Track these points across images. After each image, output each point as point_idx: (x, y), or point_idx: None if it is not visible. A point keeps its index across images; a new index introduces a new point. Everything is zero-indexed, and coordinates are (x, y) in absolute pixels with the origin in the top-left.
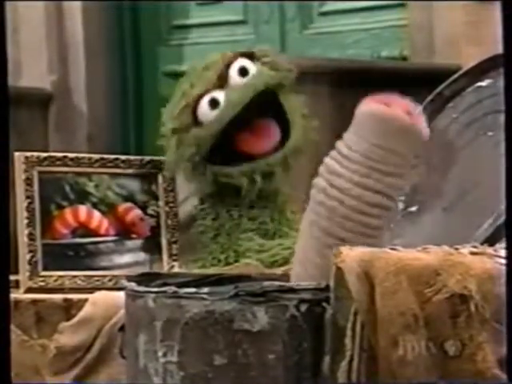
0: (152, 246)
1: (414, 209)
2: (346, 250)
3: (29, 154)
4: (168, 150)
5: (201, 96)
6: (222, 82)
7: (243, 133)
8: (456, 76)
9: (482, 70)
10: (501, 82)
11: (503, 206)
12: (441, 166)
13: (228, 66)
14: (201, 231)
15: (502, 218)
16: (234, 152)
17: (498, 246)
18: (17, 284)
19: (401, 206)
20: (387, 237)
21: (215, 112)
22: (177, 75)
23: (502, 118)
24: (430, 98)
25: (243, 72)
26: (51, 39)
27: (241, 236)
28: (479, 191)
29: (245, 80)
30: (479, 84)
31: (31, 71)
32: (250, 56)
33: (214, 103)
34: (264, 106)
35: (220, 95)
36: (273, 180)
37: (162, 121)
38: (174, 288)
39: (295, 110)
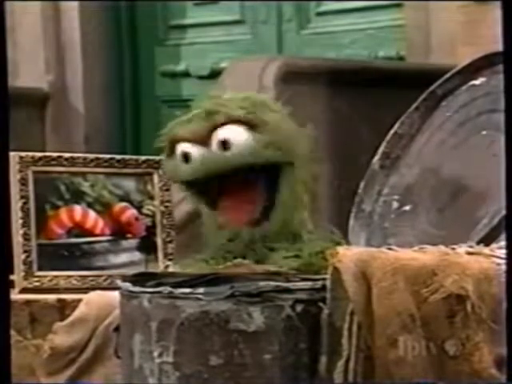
0: (147, 245)
1: (408, 208)
2: (342, 249)
3: (23, 153)
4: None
5: (176, 142)
6: (200, 139)
7: (222, 199)
8: (449, 75)
9: (475, 68)
10: (494, 81)
11: (498, 206)
12: (434, 164)
13: (213, 129)
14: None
15: (497, 218)
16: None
17: (494, 245)
18: (12, 284)
19: (395, 205)
20: (381, 236)
21: (187, 166)
22: (174, 75)
23: (495, 117)
24: (423, 96)
25: (225, 145)
26: (48, 39)
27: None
28: (473, 190)
29: (225, 154)
30: (473, 83)
31: (28, 71)
32: (245, 122)
33: (186, 157)
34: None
35: (193, 151)
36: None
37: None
38: (169, 288)
39: (287, 185)
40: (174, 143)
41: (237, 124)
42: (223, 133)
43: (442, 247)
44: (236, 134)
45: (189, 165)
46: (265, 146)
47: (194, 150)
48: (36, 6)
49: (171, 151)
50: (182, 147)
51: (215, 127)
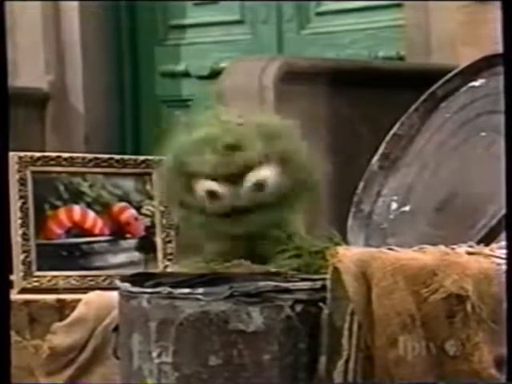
0: (146, 245)
1: (407, 208)
2: (342, 249)
3: (22, 153)
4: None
5: (195, 178)
6: (228, 177)
7: None
8: (449, 76)
9: (474, 70)
10: (494, 82)
11: (497, 207)
12: (434, 165)
13: (245, 169)
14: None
15: (496, 219)
16: None
17: (494, 245)
18: (11, 284)
19: (394, 205)
20: (380, 236)
21: (213, 205)
22: (174, 75)
23: (494, 118)
24: (423, 97)
25: (260, 186)
26: (48, 39)
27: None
28: (472, 191)
29: (259, 194)
30: (472, 84)
31: (28, 71)
32: (276, 160)
33: (213, 196)
34: None
35: (222, 189)
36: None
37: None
38: (168, 288)
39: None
40: (191, 178)
41: (268, 163)
42: (258, 175)
43: (442, 247)
44: (270, 175)
45: (216, 202)
46: (294, 184)
47: (221, 188)
48: (36, 5)
49: (187, 185)
50: (207, 185)
51: (248, 167)
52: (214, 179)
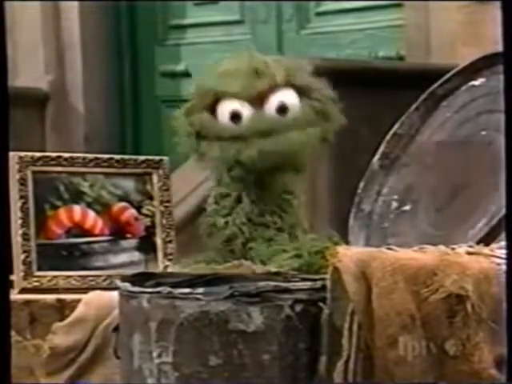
0: (147, 245)
1: (407, 208)
2: (342, 249)
3: (22, 153)
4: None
5: (221, 98)
6: (253, 99)
7: None
8: (449, 75)
9: (475, 69)
10: (494, 82)
11: (497, 206)
12: (434, 165)
13: (269, 90)
14: (207, 229)
15: (497, 218)
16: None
17: (494, 245)
18: (11, 284)
19: (395, 205)
20: (381, 236)
21: (236, 127)
22: (174, 75)
23: (495, 117)
24: (423, 97)
25: (281, 110)
26: (48, 39)
27: (250, 245)
28: (472, 190)
29: (281, 117)
30: (472, 83)
31: (28, 71)
32: (298, 88)
33: (236, 117)
34: None
35: (245, 111)
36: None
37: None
38: (168, 288)
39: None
40: (218, 99)
41: (292, 88)
42: (281, 96)
43: (442, 247)
44: (292, 99)
45: (238, 125)
46: (316, 113)
47: (245, 109)
48: (36, 5)
49: (211, 107)
50: (231, 106)
51: (272, 89)
52: (240, 99)
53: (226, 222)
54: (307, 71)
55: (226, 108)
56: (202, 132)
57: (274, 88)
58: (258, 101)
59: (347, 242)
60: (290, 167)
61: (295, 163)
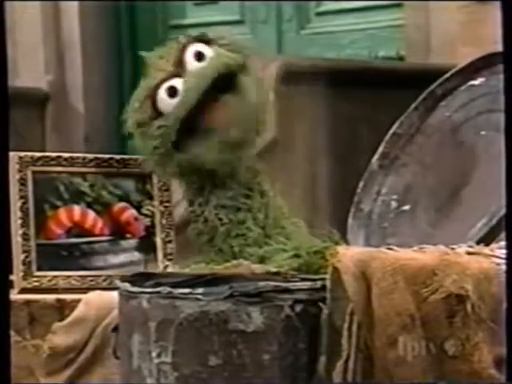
0: (147, 245)
1: (406, 208)
2: (342, 249)
3: (22, 153)
4: (136, 145)
5: (158, 86)
6: (178, 69)
7: (207, 112)
8: (448, 75)
9: (474, 68)
10: (493, 81)
11: (497, 206)
12: (433, 164)
13: (183, 51)
14: (196, 234)
15: (496, 218)
16: (201, 134)
17: (494, 245)
18: (11, 284)
19: (394, 204)
20: (380, 235)
21: (175, 100)
22: None
23: (494, 117)
24: (422, 96)
25: (199, 56)
26: (48, 39)
27: (233, 243)
28: (472, 190)
29: (202, 64)
30: (472, 83)
31: (28, 71)
32: (206, 41)
33: (172, 91)
34: (225, 84)
35: (178, 83)
36: (244, 158)
37: (124, 117)
38: (168, 288)
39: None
40: (156, 90)
41: (199, 42)
42: (193, 47)
43: (441, 247)
44: (202, 48)
45: (177, 97)
46: (231, 51)
47: (177, 82)
48: (36, 5)
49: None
50: (166, 86)
51: (184, 50)
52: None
53: (205, 220)
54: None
55: (163, 89)
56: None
57: (186, 46)
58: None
59: (346, 242)
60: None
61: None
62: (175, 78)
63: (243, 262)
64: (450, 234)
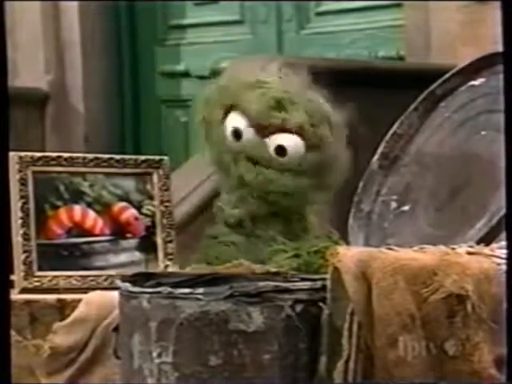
0: (147, 245)
1: (407, 208)
2: (342, 249)
3: (23, 153)
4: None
5: (232, 110)
6: (258, 125)
7: None
8: (448, 75)
9: (474, 69)
10: (493, 81)
11: (497, 206)
12: (433, 164)
13: (276, 127)
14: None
15: (497, 218)
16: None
17: (494, 245)
18: (11, 284)
19: (394, 205)
20: (380, 236)
21: (236, 144)
22: (173, 75)
23: (494, 117)
24: (422, 96)
25: (281, 152)
26: (48, 39)
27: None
28: (472, 190)
29: (277, 158)
30: (472, 83)
31: (28, 71)
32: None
33: (237, 135)
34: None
35: (246, 132)
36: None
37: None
38: (168, 288)
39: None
40: (229, 110)
41: (299, 136)
42: (286, 140)
43: (442, 247)
44: (294, 145)
45: (238, 143)
46: (313, 167)
47: (247, 131)
48: (36, 5)
49: (223, 115)
50: (236, 122)
51: (278, 128)
52: (246, 118)
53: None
54: (329, 120)
55: (231, 121)
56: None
57: (281, 127)
58: (263, 129)
59: (347, 242)
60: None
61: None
62: (249, 126)
63: (243, 262)
64: (450, 234)
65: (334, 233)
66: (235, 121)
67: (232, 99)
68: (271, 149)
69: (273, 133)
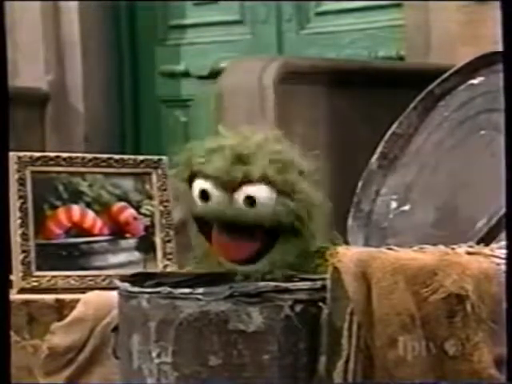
0: (146, 245)
1: (406, 207)
2: (342, 249)
3: (22, 153)
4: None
5: (195, 176)
6: (224, 184)
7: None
8: (447, 74)
9: (473, 68)
10: (493, 80)
11: (497, 205)
12: (433, 164)
13: (242, 181)
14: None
15: (496, 218)
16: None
17: (494, 245)
18: (10, 284)
19: (393, 204)
20: (380, 235)
21: (204, 205)
22: (173, 75)
23: (494, 116)
24: (421, 96)
25: (251, 202)
26: (48, 39)
27: None
28: (472, 190)
29: (248, 209)
30: (471, 82)
31: (28, 71)
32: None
33: (204, 196)
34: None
35: (214, 193)
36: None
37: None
38: (168, 288)
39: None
40: (193, 175)
41: (267, 184)
42: (253, 190)
43: (441, 247)
44: (264, 194)
45: (206, 204)
46: (288, 213)
47: (214, 191)
48: (36, 5)
49: (189, 180)
50: (202, 184)
51: (245, 181)
52: (211, 181)
53: None
54: (297, 167)
55: (197, 185)
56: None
57: (247, 180)
58: (230, 186)
59: (346, 242)
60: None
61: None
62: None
63: None
64: (450, 234)
65: (339, 237)
66: (201, 184)
67: (195, 167)
68: (240, 202)
69: (239, 187)
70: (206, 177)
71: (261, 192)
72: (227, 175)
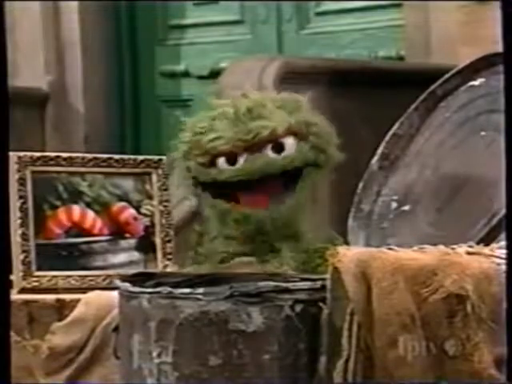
0: (146, 245)
1: (407, 208)
2: (343, 249)
3: (22, 153)
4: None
5: (224, 153)
6: (251, 146)
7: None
8: (448, 75)
9: (474, 69)
10: (493, 82)
11: (497, 206)
12: (433, 165)
13: (267, 141)
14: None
15: (496, 218)
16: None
17: (494, 245)
18: (10, 284)
19: (394, 205)
20: (380, 236)
21: (232, 169)
22: (173, 75)
23: (494, 117)
24: (422, 97)
25: (278, 149)
26: (48, 39)
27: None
28: (472, 190)
29: (277, 157)
30: (472, 83)
31: (28, 71)
32: (296, 132)
33: (233, 161)
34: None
35: (240, 155)
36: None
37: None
38: (168, 288)
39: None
40: (211, 155)
41: (291, 135)
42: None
43: (441, 247)
44: (289, 141)
45: (234, 167)
46: (310, 150)
47: (240, 155)
48: (36, 6)
49: (205, 163)
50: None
51: (271, 139)
52: (235, 151)
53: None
54: (305, 107)
55: (222, 161)
56: (198, 178)
57: (273, 138)
58: (254, 146)
59: (347, 242)
60: None
61: None
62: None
63: (244, 260)
64: (450, 234)
65: (338, 237)
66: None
67: (206, 145)
68: (268, 152)
69: (265, 144)
70: (229, 150)
71: (286, 140)
72: (249, 142)
